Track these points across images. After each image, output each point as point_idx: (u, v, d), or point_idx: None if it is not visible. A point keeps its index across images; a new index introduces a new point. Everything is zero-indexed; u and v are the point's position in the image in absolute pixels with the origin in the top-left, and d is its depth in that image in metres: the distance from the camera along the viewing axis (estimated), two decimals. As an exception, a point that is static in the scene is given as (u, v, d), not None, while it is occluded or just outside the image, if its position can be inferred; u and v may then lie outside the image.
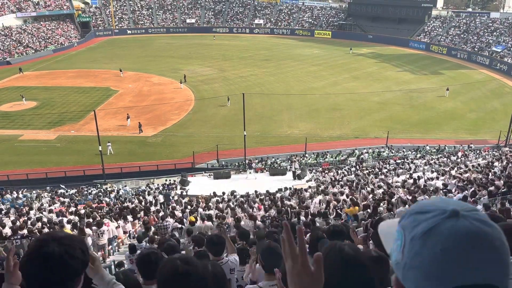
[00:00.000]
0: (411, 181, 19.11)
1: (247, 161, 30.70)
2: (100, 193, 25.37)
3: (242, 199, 19.46)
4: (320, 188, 20.12)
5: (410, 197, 14.00)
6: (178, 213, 15.88)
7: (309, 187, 22.80)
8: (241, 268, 5.43)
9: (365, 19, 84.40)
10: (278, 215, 12.24)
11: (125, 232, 15.58)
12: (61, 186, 27.77)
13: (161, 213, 15.10)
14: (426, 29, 76.51)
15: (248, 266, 5.12)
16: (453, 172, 19.80)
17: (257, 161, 31.61)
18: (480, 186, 14.06)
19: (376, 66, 61.39)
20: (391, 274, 2.39)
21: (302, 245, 1.27)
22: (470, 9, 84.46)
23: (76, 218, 15.98)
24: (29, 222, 15.49)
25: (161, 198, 21.58)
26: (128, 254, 10.31)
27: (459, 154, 28.99)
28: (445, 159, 27.38)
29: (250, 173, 28.67)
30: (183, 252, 7.62)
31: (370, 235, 4.26)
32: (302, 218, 11.83)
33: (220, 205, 17.30)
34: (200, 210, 16.29)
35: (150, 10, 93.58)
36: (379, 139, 35.69)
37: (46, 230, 13.43)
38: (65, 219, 15.60)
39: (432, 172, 21.66)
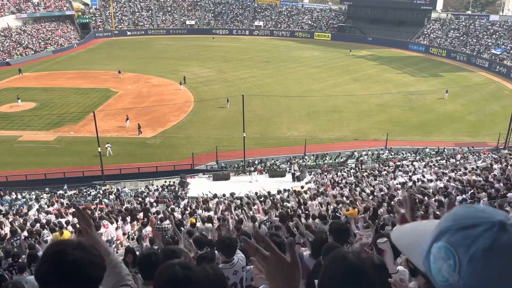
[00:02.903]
0: (410, 183, 19.11)
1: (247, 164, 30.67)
2: (99, 195, 25.32)
3: (241, 201, 19.41)
4: (320, 190, 20.09)
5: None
6: (177, 215, 15.85)
7: (309, 189, 22.75)
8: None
9: (365, 21, 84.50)
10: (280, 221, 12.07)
11: (124, 234, 15.54)
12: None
13: (161, 215, 15.06)
14: (425, 32, 76.64)
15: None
16: (452, 175, 19.79)
17: (256, 162, 31.59)
18: (479, 189, 14.07)
19: (375, 68, 61.43)
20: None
21: (267, 243, 1.37)
22: (469, 12, 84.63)
23: (75, 220, 15.94)
24: (28, 223, 15.44)
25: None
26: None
27: (458, 156, 29.03)
28: (444, 161, 27.39)
29: (253, 175, 28.48)
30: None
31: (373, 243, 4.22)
32: (302, 220, 11.80)
33: (220, 207, 17.26)
34: (200, 211, 16.25)
35: (150, 11, 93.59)
36: (378, 141, 35.73)
37: (46, 231, 13.38)
38: (63, 220, 15.57)
39: (431, 174, 21.66)
